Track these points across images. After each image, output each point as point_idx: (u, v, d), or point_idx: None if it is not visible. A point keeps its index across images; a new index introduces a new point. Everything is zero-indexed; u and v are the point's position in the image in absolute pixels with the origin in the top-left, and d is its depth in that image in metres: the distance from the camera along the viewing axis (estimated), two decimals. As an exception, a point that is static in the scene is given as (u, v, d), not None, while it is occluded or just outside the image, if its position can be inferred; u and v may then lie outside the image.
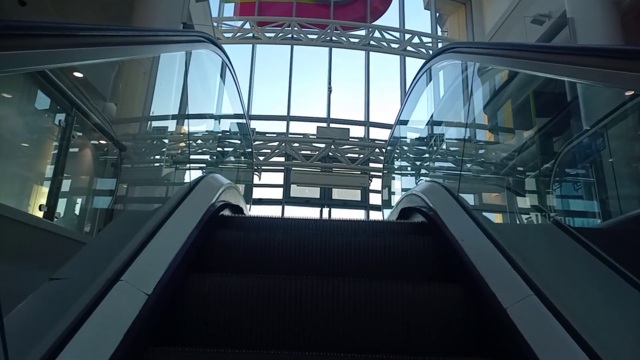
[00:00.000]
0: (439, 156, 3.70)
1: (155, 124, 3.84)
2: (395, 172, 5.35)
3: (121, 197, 3.98)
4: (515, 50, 1.87)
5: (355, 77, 16.21)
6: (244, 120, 5.42)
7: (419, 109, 4.11)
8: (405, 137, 4.86)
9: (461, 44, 4.62)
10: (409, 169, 4.76)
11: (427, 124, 4.18)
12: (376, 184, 14.63)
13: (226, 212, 3.02)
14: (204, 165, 3.86)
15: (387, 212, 5.13)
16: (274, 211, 14.54)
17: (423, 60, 15.28)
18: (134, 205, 3.83)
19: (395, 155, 5.61)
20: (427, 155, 4.16)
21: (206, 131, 4.08)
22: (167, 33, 2.10)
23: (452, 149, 3.31)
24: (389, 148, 6.18)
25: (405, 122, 4.70)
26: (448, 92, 3.48)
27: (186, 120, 3.55)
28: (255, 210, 13.66)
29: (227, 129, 4.95)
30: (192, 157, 3.90)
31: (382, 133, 15.46)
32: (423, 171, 4.06)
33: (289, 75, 15.68)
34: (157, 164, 4.09)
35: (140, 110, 4.40)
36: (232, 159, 5.24)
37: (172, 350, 1.50)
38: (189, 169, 3.78)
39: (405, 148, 4.85)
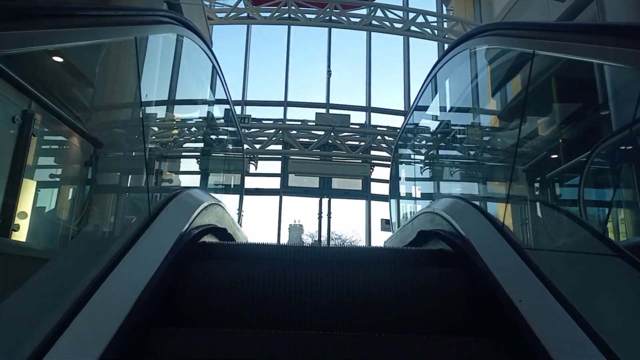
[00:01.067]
0: (472, 161, 3.09)
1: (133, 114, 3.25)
2: (407, 180, 4.69)
3: (95, 206, 3.39)
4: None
5: (356, 59, 15.43)
6: (228, 107, 4.74)
7: (443, 98, 3.45)
8: (425, 133, 4.16)
9: (508, 24, 3.90)
10: (428, 174, 4.11)
11: (448, 116, 3.53)
12: (378, 172, 14.04)
13: (208, 240, 2.41)
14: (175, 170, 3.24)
15: (393, 232, 4.51)
16: (270, 204, 13.95)
17: (427, 42, 14.55)
18: (104, 223, 3.18)
19: (407, 157, 4.93)
20: (452, 158, 3.53)
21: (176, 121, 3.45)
22: (102, 12, 1.45)
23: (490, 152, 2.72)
24: (399, 149, 5.47)
25: (423, 108, 4.01)
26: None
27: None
28: (250, 203, 13.09)
29: (206, 120, 4.29)
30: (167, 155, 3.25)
31: (384, 119, 14.79)
32: (447, 183, 3.43)
33: (286, 57, 14.91)
34: (136, 163, 3.47)
35: (120, 97, 3.78)
36: (216, 159, 4.59)
37: None
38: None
39: (421, 149, 4.20)
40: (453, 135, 3.37)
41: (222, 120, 4.77)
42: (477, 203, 2.22)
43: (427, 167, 4.21)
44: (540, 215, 2.38)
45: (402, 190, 5.40)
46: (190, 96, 3.90)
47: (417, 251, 2.49)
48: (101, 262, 1.46)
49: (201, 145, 4.64)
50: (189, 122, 3.92)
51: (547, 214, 2.37)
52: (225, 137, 4.77)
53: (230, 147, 5.08)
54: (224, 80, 3.87)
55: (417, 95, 3.91)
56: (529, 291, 1.55)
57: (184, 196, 2.33)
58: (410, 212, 4.94)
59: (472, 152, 3.16)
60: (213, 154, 4.56)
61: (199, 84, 3.94)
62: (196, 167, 4.31)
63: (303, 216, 15.50)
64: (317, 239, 15.57)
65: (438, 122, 3.72)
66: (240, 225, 5.21)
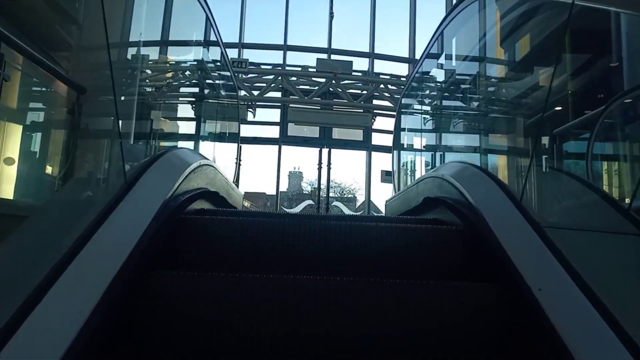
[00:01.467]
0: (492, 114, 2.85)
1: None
2: (413, 131, 4.42)
3: (80, 159, 3.17)
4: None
5: (360, 2, 14.55)
6: (219, 51, 4.39)
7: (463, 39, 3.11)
8: (437, 82, 3.82)
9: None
10: (438, 127, 3.84)
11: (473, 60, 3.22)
12: (379, 123, 13.69)
13: (198, 207, 2.23)
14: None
15: (396, 190, 4.32)
16: (269, 153, 13.69)
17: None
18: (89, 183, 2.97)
19: (415, 107, 4.63)
20: (467, 110, 3.26)
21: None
22: None
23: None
24: (406, 98, 5.12)
25: (435, 56, 3.67)
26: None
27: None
28: (249, 152, 12.81)
29: (195, 64, 3.96)
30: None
31: (387, 67, 14.18)
32: (458, 141, 3.18)
33: (286, -2, 14.03)
34: (123, 111, 3.23)
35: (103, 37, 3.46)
36: (208, 106, 4.30)
37: None
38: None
39: (432, 100, 3.90)
40: (467, 86, 3.10)
41: (212, 65, 4.43)
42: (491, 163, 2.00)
43: (438, 118, 3.95)
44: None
45: (411, 142, 5.13)
46: (178, 37, 3.56)
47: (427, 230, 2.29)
48: (66, 243, 1.27)
49: (191, 91, 4.35)
50: (175, 65, 3.61)
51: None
52: (217, 82, 4.45)
53: (222, 93, 4.77)
54: (214, 20, 3.50)
55: (430, 41, 3.55)
56: (551, 281, 1.38)
57: (169, 157, 2.11)
58: (414, 167, 4.75)
59: (489, 105, 2.91)
60: (205, 101, 4.28)
61: (188, 23, 3.59)
62: (186, 115, 4.05)
63: (303, 163, 15.30)
64: (316, 186, 15.49)
65: (453, 70, 3.41)
66: (237, 178, 5.02)
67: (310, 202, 16.71)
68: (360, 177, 14.85)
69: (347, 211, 15.94)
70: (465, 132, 3.30)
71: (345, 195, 29.08)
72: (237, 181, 6.29)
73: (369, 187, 14.02)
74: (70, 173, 3.19)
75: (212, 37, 3.79)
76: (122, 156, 1.75)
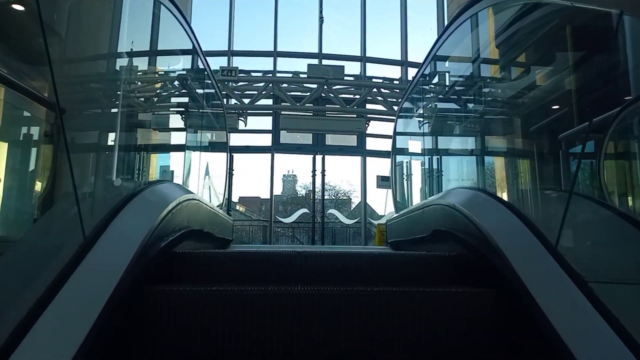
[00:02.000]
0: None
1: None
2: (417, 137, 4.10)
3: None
4: None
5: (350, 5, 14.30)
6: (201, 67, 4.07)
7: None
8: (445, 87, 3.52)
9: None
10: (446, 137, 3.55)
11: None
12: (373, 127, 13.42)
13: (180, 252, 1.93)
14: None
15: (398, 209, 4.04)
16: (262, 160, 13.37)
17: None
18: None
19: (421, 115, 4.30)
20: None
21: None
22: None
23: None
24: (405, 106, 4.80)
25: (444, 59, 3.40)
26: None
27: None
28: (241, 160, 12.49)
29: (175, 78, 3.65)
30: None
31: (380, 70, 13.96)
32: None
33: (274, 2, 13.75)
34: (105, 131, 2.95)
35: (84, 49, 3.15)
36: (191, 119, 4.00)
37: None
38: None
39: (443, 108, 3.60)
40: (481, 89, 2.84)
41: (194, 77, 4.13)
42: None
43: (440, 129, 3.68)
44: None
45: (413, 149, 4.83)
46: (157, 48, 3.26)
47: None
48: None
49: (175, 104, 4.05)
50: (151, 77, 3.30)
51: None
52: (198, 94, 4.15)
53: (206, 105, 4.45)
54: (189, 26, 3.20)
55: (437, 40, 3.25)
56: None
57: (141, 200, 1.81)
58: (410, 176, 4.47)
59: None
60: (188, 118, 3.98)
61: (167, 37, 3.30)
62: (168, 139, 3.75)
63: (297, 167, 14.93)
64: (311, 189, 15.18)
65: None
66: (229, 194, 4.68)
67: (305, 210, 16.40)
68: (355, 179, 14.53)
69: (343, 219, 15.67)
70: (473, 150, 3.03)
71: (340, 198, 28.84)
72: (229, 196, 5.95)
73: (364, 193, 13.75)
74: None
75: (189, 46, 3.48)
76: (79, 209, 1.45)
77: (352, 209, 28.49)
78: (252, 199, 36.72)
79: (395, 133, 5.65)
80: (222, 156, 5.86)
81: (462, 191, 2.28)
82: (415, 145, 4.87)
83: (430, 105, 3.80)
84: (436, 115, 3.76)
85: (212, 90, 5.11)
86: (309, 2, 14.71)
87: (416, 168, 4.21)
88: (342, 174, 16.17)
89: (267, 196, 14.03)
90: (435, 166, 3.70)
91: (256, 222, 23.49)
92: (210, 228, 2.61)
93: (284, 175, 37.65)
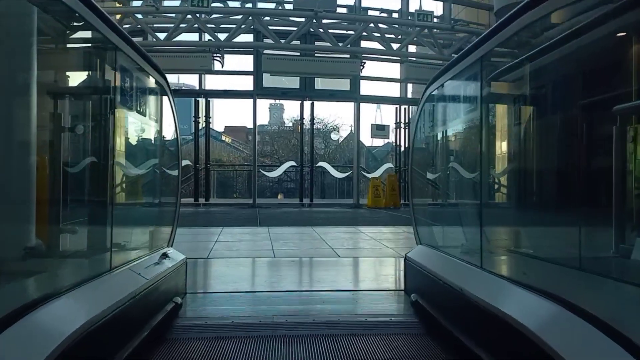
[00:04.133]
0: None
1: None
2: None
3: None
4: None
5: None
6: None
7: None
8: None
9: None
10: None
11: None
12: (369, 69, 11.85)
13: None
14: None
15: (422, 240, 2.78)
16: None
17: None
18: None
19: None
20: None
21: None
22: None
23: None
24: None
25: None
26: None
27: None
28: (219, 106, 10.96)
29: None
30: None
31: (377, 1, 12.03)
32: None
33: None
34: None
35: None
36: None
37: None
38: None
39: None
40: None
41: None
42: None
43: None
44: None
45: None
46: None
47: None
48: None
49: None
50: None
51: None
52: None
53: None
54: None
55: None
56: None
57: None
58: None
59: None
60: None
61: None
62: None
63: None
64: (297, 118, 13.85)
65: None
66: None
67: (291, 163, 15.17)
68: (344, 110, 13.20)
69: (334, 172, 14.52)
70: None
71: (329, 126, 27.82)
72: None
73: (357, 144, 12.50)
74: None
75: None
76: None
77: (340, 141, 27.39)
78: (238, 128, 35.13)
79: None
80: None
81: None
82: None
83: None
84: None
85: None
86: None
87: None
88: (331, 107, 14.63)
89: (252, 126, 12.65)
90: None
91: (239, 167, 22.33)
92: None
93: (271, 105, 35.68)
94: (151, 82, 2.35)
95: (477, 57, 1.94)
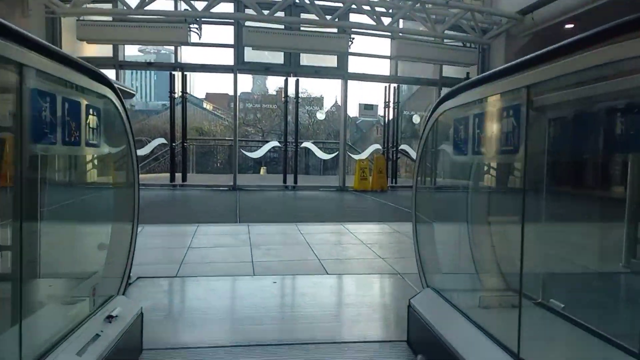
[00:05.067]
0: None
1: None
2: None
3: None
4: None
5: None
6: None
7: None
8: None
9: None
10: None
11: None
12: (358, 45, 11.15)
13: None
14: None
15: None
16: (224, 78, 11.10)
17: None
18: None
19: None
20: None
21: None
22: None
23: None
24: None
25: None
26: None
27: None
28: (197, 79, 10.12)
29: None
30: None
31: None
32: None
33: None
34: None
35: None
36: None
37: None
38: None
39: None
40: None
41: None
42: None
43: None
44: None
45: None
46: None
47: None
48: None
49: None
50: None
51: None
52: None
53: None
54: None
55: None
56: None
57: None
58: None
59: None
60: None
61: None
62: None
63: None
64: (282, 86, 13.18)
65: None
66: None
67: (274, 143, 14.52)
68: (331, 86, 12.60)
69: (319, 153, 13.94)
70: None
71: (313, 97, 27.41)
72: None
73: (345, 123, 11.93)
74: None
75: None
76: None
77: (324, 112, 26.76)
78: (220, 95, 33.95)
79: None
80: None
81: None
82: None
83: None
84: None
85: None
86: None
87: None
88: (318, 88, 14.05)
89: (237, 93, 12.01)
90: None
91: (220, 142, 21.51)
92: None
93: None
94: (93, 99, 1.79)
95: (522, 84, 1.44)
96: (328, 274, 3.61)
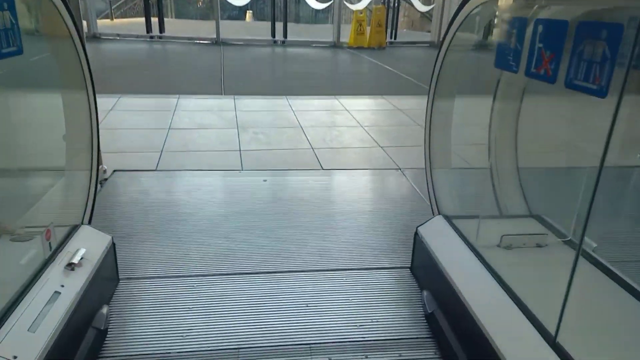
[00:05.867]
0: None
1: None
2: None
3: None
4: None
5: None
6: None
7: None
8: None
9: None
10: None
11: None
12: None
13: None
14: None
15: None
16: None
17: None
18: None
19: None
20: None
21: None
22: None
23: None
24: None
25: None
26: None
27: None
28: None
29: None
30: None
31: None
32: None
33: None
34: None
35: None
36: None
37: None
38: None
39: None
40: None
41: None
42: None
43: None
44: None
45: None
46: None
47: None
48: None
49: None
50: None
51: None
52: None
53: None
54: None
55: None
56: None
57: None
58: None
59: None
60: None
61: None
62: None
63: None
64: None
65: None
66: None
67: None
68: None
69: (310, 2, 12.20)
70: None
71: None
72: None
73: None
74: None
75: None
76: None
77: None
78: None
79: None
80: None
81: None
82: None
83: None
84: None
85: None
86: None
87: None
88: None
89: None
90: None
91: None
92: None
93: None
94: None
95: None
96: (323, 169, 3.32)
